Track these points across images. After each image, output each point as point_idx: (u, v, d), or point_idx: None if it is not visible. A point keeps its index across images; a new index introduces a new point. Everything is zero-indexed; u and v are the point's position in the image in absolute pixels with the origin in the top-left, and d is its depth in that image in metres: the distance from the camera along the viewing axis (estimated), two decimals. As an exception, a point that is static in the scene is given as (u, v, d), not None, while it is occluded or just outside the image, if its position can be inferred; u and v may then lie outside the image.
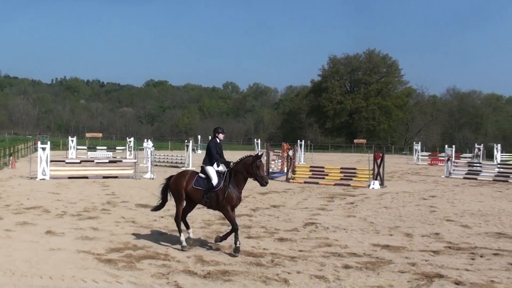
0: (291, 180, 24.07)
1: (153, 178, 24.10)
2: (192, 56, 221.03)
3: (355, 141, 79.48)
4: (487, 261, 9.19)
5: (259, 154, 9.53)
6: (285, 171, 25.76)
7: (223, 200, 9.30)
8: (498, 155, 43.78)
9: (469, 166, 30.06)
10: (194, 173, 9.95)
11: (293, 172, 24.74)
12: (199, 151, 56.35)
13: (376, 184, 21.69)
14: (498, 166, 30.05)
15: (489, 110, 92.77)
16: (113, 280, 7.56)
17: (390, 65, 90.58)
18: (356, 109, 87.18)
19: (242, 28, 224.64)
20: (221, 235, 9.91)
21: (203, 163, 9.77)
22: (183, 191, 9.69)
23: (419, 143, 47.72)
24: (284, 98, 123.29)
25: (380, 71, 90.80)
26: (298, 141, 43.56)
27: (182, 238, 9.64)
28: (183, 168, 17.90)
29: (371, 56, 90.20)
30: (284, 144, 27.51)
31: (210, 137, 10.77)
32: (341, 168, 25.00)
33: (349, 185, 22.39)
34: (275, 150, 34.50)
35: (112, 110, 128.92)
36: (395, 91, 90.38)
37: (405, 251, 9.92)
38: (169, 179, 10.22)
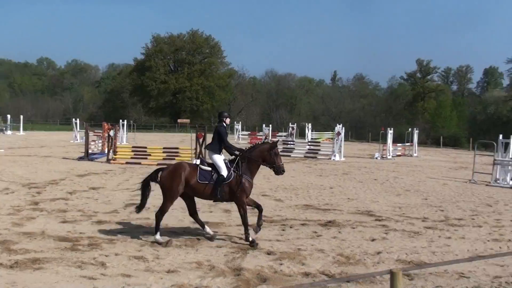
0: (112, 161, 23.35)
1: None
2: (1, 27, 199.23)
3: (179, 121, 79.91)
4: (296, 231, 10.03)
5: (276, 141, 9.18)
6: (106, 152, 24.90)
7: (238, 190, 8.75)
8: (309, 134, 47.71)
9: (284, 144, 32.27)
10: (194, 166, 8.99)
11: (114, 153, 24.03)
12: (9, 132, 51.58)
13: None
14: (309, 144, 32.83)
15: (302, 92, 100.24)
16: None
17: (213, 46, 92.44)
18: (180, 89, 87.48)
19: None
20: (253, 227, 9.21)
21: (209, 150, 9.03)
22: (179, 189, 8.72)
23: (240, 122, 49.85)
24: (106, 77, 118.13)
25: (204, 52, 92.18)
26: (121, 121, 42.23)
27: (158, 237, 8.80)
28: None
29: (194, 36, 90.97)
30: (105, 124, 26.43)
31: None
32: (163, 148, 25.01)
33: (172, 164, 22.48)
34: (96, 131, 33.12)
35: None
36: (217, 72, 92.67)
37: (224, 226, 10.36)
38: (156, 172, 9.03)
